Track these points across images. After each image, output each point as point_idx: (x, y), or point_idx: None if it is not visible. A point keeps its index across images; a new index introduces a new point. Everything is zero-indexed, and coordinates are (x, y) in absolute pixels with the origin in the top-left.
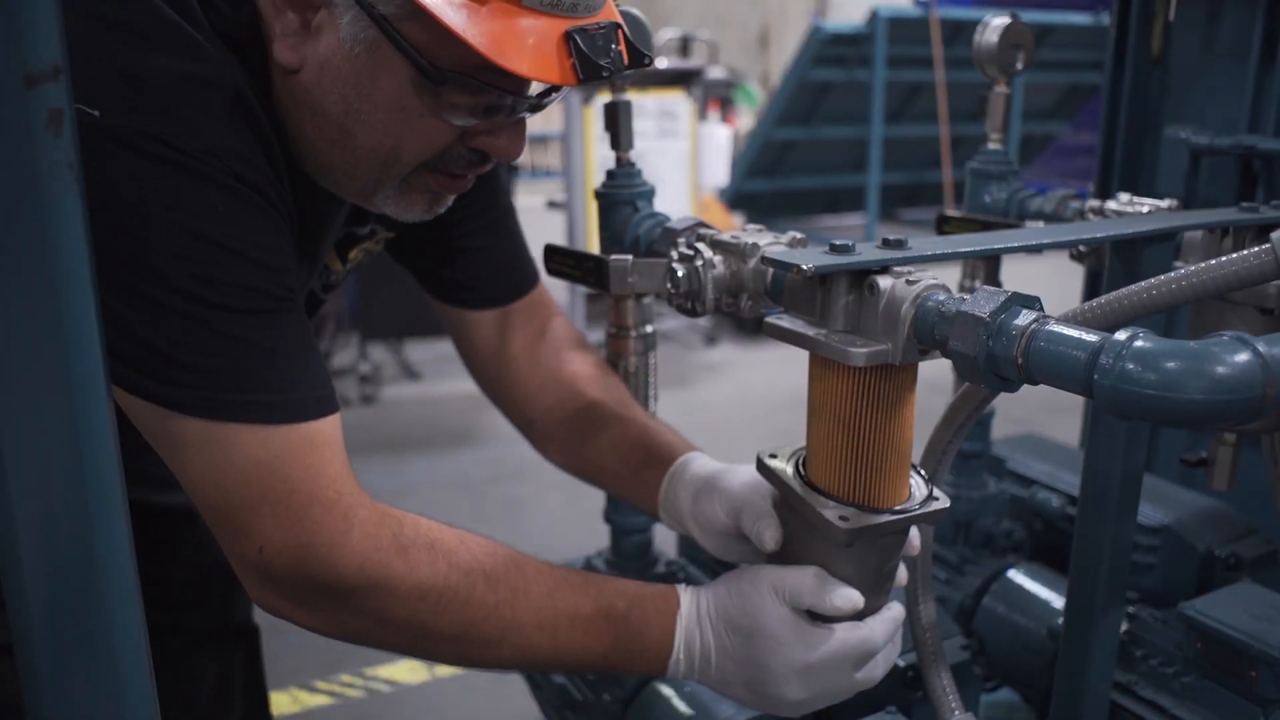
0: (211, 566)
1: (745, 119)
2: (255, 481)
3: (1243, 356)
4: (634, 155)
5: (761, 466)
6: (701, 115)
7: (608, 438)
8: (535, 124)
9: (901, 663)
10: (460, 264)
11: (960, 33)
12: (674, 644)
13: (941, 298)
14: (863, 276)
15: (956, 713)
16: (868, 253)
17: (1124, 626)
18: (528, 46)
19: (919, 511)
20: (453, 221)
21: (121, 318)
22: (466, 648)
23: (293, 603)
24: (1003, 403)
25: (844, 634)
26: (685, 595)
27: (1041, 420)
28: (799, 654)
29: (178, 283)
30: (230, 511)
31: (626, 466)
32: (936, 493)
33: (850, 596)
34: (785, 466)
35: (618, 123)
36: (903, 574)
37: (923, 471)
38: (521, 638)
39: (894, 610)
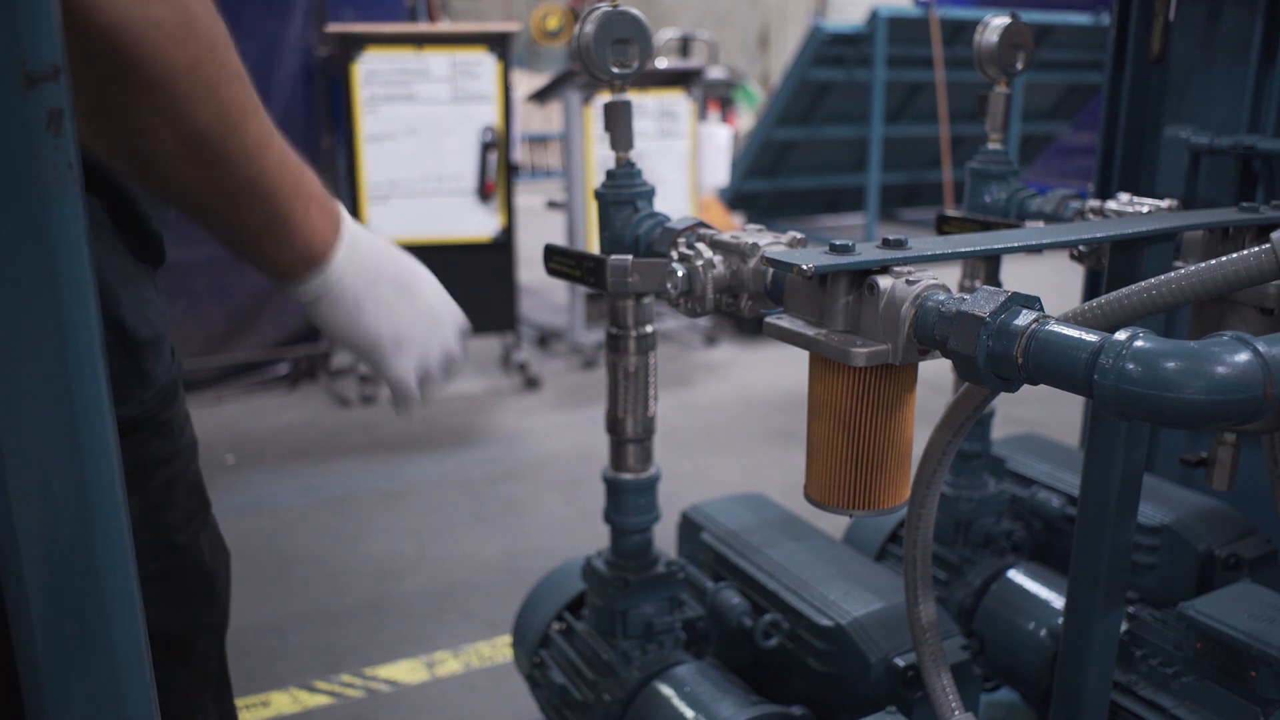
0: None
1: (745, 119)
2: None
3: (1243, 356)
4: (634, 155)
5: None
6: (701, 115)
7: None
8: (535, 124)
9: (901, 663)
10: None
11: (960, 33)
12: (341, 225)
13: (941, 298)
14: (863, 276)
15: (956, 713)
16: (868, 253)
17: (1124, 626)
18: None
19: None
20: None
21: None
22: (202, 89)
23: None
24: (1003, 403)
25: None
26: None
27: (1041, 420)
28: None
29: None
30: None
31: None
32: None
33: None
34: None
35: (618, 123)
36: None
37: None
38: (260, 123)
39: None
